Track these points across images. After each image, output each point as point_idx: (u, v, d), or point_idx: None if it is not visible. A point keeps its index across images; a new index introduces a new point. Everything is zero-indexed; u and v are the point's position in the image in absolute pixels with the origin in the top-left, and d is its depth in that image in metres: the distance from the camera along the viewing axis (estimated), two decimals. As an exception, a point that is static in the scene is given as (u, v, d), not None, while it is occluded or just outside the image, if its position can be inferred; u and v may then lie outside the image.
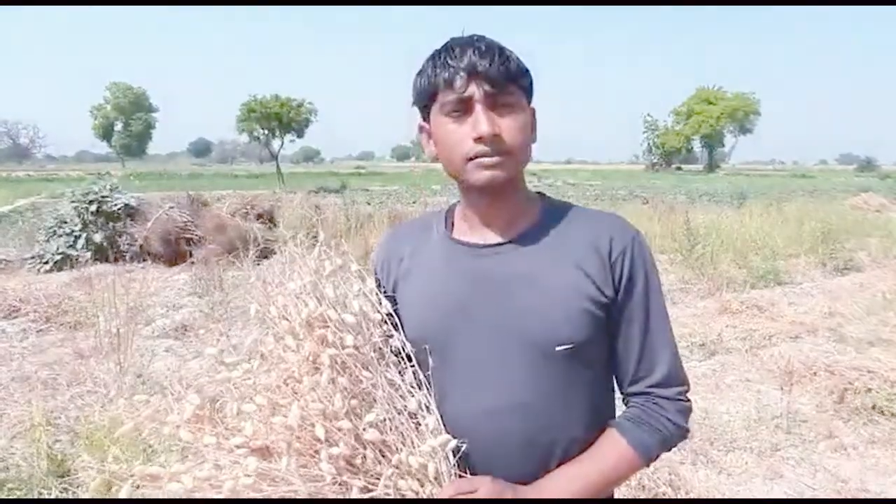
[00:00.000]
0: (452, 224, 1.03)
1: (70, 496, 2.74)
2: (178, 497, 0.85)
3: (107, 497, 2.56)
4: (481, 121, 0.86)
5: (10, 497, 2.66)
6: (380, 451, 0.86)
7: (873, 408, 3.57)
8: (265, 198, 11.30)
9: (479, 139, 0.87)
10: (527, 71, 0.91)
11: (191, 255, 8.23)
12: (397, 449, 0.86)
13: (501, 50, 0.88)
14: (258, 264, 8.23)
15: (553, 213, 0.99)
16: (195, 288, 6.70)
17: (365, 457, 0.85)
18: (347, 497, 0.83)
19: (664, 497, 2.70)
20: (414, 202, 15.36)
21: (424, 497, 0.85)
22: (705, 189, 25.70)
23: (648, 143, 75.81)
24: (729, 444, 3.25)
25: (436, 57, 0.90)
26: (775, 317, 5.62)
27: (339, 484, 0.83)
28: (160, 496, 0.87)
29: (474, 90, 0.87)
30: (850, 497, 2.82)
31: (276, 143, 39.62)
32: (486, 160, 0.89)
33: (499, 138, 0.87)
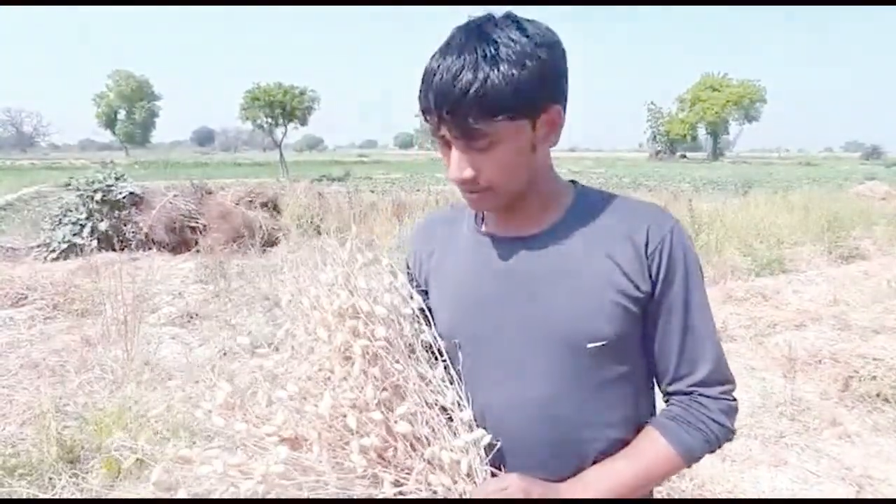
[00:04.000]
0: (483, 216, 1.00)
1: (79, 481, 2.77)
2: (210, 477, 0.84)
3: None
4: (452, 166, 0.84)
5: (21, 483, 2.69)
6: (411, 444, 0.84)
7: (878, 395, 3.57)
8: (269, 186, 11.29)
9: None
10: (522, 85, 0.78)
11: (196, 243, 8.27)
12: (428, 443, 0.85)
13: (477, 77, 0.77)
14: (263, 252, 8.26)
15: (586, 202, 0.94)
16: (200, 276, 6.72)
17: (396, 450, 0.84)
18: (378, 490, 0.82)
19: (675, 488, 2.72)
20: (418, 190, 15.33)
21: (456, 494, 0.83)
22: (710, 177, 25.61)
23: (653, 131, 75.45)
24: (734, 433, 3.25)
25: (425, 72, 0.83)
26: (780, 305, 5.61)
27: (370, 476, 0.82)
28: (190, 478, 0.87)
29: (446, 132, 0.82)
30: (854, 485, 2.83)
31: (279, 132, 39.59)
32: (468, 196, 0.89)
33: (473, 180, 0.84)
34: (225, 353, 4.39)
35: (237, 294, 5.95)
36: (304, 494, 0.82)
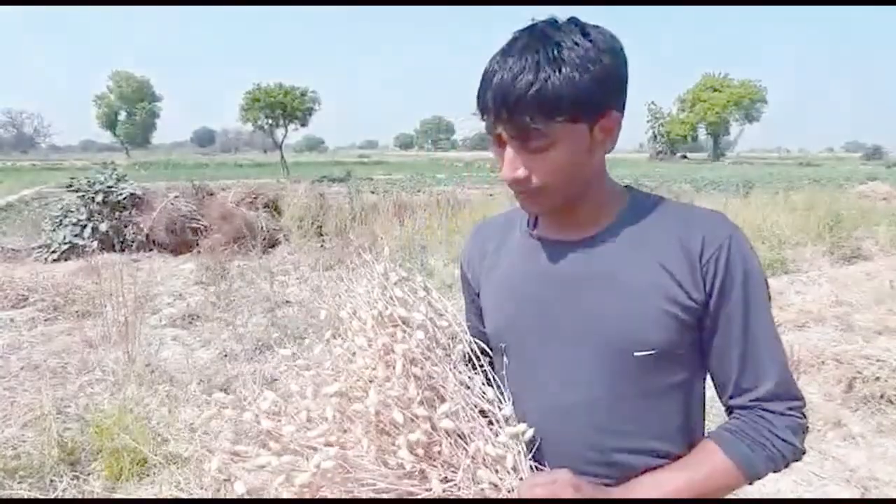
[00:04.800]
0: (535, 220, 0.99)
1: (80, 483, 2.76)
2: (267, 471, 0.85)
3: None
4: (505, 166, 0.84)
5: (22, 486, 2.68)
6: (454, 441, 0.84)
7: (881, 397, 3.56)
8: (270, 187, 11.29)
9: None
10: (583, 89, 0.78)
11: (196, 244, 8.27)
12: (472, 440, 0.85)
13: (538, 77, 0.78)
14: (264, 253, 8.25)
15: (639, 208, 0.92)
16: (201, 277, 6.72)
17: (441, 447, 0.84)
18: (425, 487, 0.82)
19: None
20: (418, 191, 15.33)
21: (504, 489, 0.83)
22: (711, 177, 25.59)
23: (653, 132, 75.43)
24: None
25: (485, 72, 0.83)
26: (782, 306, 5.60)
27: (417, 473, 0.82)
28: (245, 471, 0.88)
29: (502, 130, 0.83)
30: (859, 487, 2.82)
31: (279, 132, 39.62)
32: (520, 196, 0.88)
33: (526, 180, 0.84)
34: (226, 355, 4.38)
35: (238, 295, 5.95)
36: (355, 492, 0.82)
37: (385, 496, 0.82)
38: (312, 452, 0.84)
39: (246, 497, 0.84)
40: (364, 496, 0.82)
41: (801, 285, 6.45)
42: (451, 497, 0.82)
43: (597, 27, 0.83)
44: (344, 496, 0.82)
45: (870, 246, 8.77)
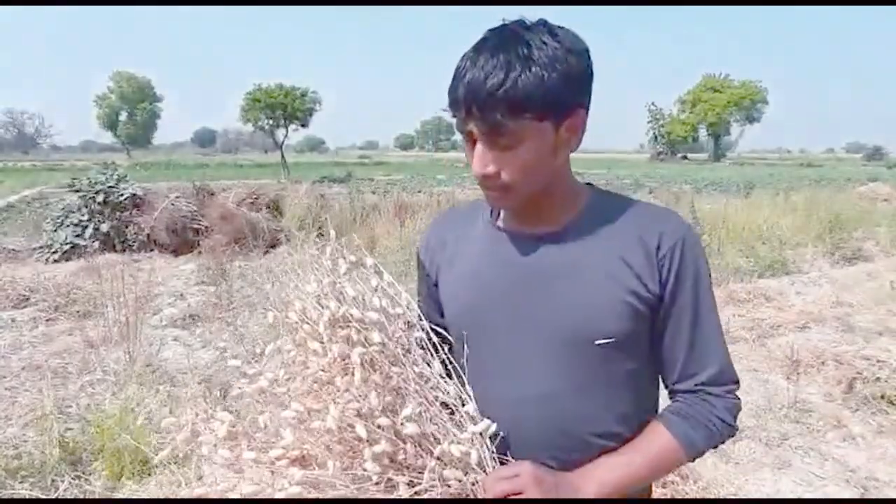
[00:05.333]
0: (499, 212, 1.02)
1: (82, 483, 2.77)
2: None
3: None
4: (475, 161, 0.87)
5: (24, 485, 2.69)
6: (419, 444, 0.85)
7: (882, 397, 3.56)
8: (270, 188, 11.29)
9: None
10: (551, 88, 0.81)
11: (197, 244, 8.27)
12: (437, 440, 0.85)
13: (509, 76, 0.80)
14: (265, 254, 8.26)
15: (600, 204, 0.97)
16: (202, 277, 6.72)
17: (406, 452, 0.84)
18: (394, 494, 0.82)
19: (672, 484, 2.71)
20: (419, 191, 15.33)
21: (468, 485, 0.84)
22: (711, 178, 25.58)
23: (654, 133, 75.41)
24: (737, 434, 3.24)
25: (456, 69, 0.85)
26: (783, 306, 5.60)
27: (385, 482, 0.83)
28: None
29: (472, 127, 0.85)
30: (858, 487, 2.82)
31: (280, 133, 39.58)
32: (488, 192, 0.91)
33: (495, 176, 0.87)
34: (226, 355, 4.39)
35: (239, 296, 5.95)
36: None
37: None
38: (278, 475, 0.84)
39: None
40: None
41: (802, 286, 6.46)
42: (422, 499, 0.83)
43: (563, 28, 0.86)
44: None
45: (870, 247, 8.78)
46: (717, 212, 10.07)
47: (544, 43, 0.81)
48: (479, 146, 0.86)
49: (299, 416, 0.86)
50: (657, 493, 2.65)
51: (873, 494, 2.77)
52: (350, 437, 0.84)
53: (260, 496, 0.83)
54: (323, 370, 0.88)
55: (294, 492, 0.81)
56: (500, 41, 0.82)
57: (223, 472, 0.88)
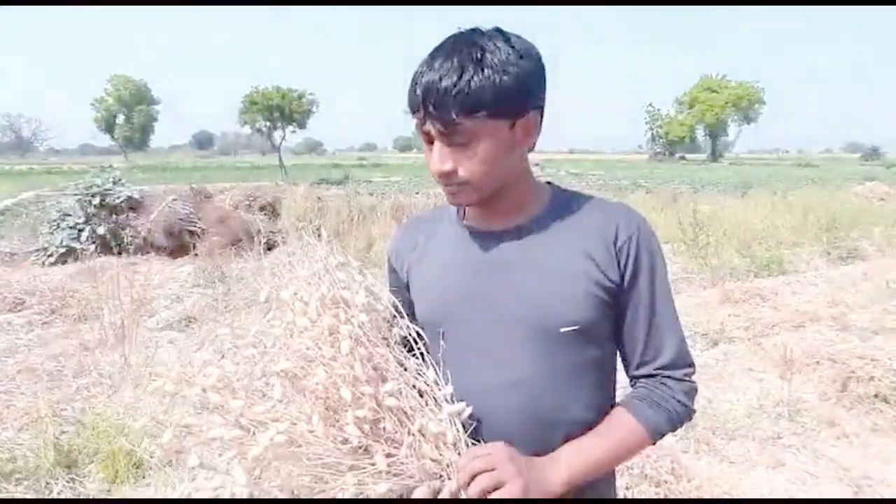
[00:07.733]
0: (464, 211, 1.07)
1: (76, 485, 2.77)
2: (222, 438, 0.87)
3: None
4: (433, 159, 0.91)
5: (18, 488, 2.69)
6: (399, 420, 0.89)
7: (876, 396, 3.57)
8: (268, 190, 11.30)
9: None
10: (503, 89, 0.85)
11: (194, 247, 8.26)
12: (415, 418, 0.89)
13: (462, 77, 0.84)
14: (262, 256, 8.25)
15: (561, 200, 1.02)
16: (199, 280, 6.71)
17: (385, 422, 0.88)
18: (370, 462, 0.85)
19: (665, 484, 2.71)
20: (417, 193, 15.34)
21: (444, 464, 0.88)
22: (709, 178, 25.62)
23: (651, 133, 75.45)
24: (731, 433, 3.26)
25: (414, 73, 0.90)
26: (778, 306, 5.61)
27: (364, 448, 0.86)
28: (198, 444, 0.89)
29: (430, 127, 0.89)
30: (852, 486, 2.82)
31: (277, 135, 39.59)
32: (447, 189, 0.95)
33: (453, 173, 0.91)
34: (223, 357, 4.38)
35: (236, 298, 5.95)
36: (304, 461, 0.85)
37: (332, 471, 0.84)
38: (260, 427, 0.87)
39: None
40: (313, 470, 0.85)
41: (798, 285, 6.47)
42: (395, 472, 0.86)
43: (518, 36, 0.91)
44: (294, 469, 0.85)
45: (866, 246, 8.80)
46: (714, 212, 10.09)
47: (497, 48, 0.86)
48: (436, 144, 0.90)
49: (287, 373, 0.90)
50: (651, 493, 2.66)
51: (867, 493, 2.77)
52: (333, 404, 0.87)
53: (242, 443, 0.86)
54: (308, 346, 0.92)
55: (280, 440, 0.83)
56: (454, 46, 0.88)
57: (209, 418, 0.90)
